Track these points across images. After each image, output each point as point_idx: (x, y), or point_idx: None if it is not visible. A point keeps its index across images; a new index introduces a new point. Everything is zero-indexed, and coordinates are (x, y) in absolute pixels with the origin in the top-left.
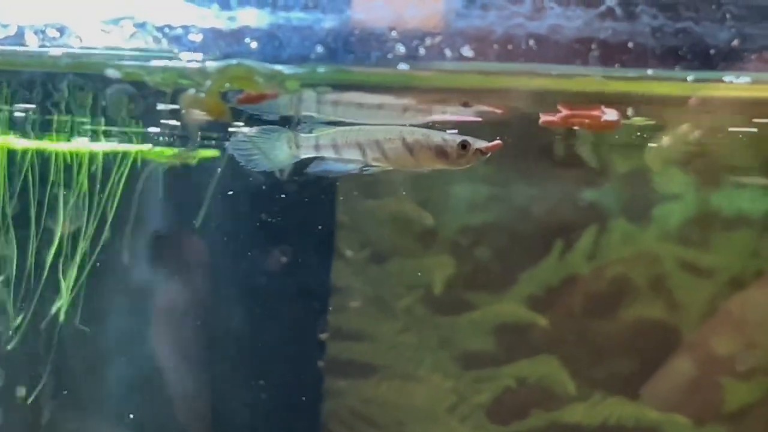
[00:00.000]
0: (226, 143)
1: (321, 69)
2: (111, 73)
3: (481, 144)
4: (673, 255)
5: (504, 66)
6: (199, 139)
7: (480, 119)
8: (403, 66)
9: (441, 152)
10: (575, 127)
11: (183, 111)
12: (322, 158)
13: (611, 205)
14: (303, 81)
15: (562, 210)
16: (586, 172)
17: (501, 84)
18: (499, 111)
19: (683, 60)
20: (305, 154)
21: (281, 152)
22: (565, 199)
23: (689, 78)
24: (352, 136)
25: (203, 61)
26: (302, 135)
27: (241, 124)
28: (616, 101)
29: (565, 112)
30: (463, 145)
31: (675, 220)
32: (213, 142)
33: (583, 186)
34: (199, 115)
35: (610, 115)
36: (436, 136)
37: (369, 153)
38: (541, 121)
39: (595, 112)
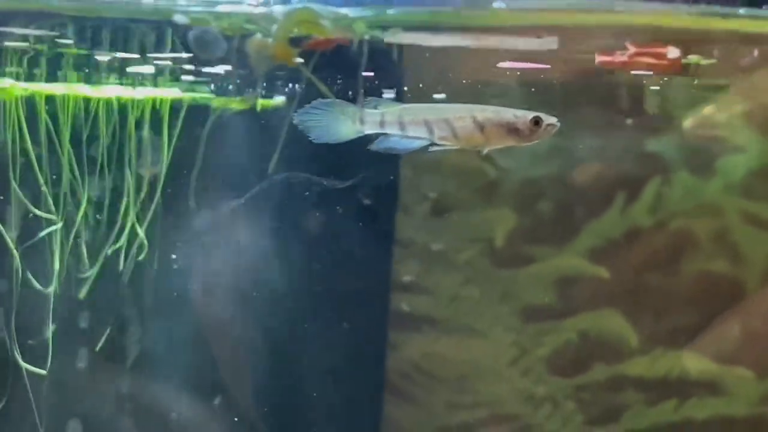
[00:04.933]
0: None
1: (390, 11)
2: (179, 18)
3: (552, 119)
4: (736, 208)
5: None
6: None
7: (548, 66)
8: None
9: (513, 129)
10: (633, 71)
11: (251, 56)
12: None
13: (674, 156)
14: (371, 23)
15: (624, 162)
16: (649, 122)
17: (582, 21)
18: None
19: None
20: (369, 130)
21: (345, 127)
22: (627, 151)
23: None
24: (419, 114)
25: (269, 5)
26: (367, 110)
27: None
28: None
29: (632, 49)
30: (536, 121)
31: (739, 172)
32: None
33: (646, 137)
34: (266, 60)
35: (673, 53)
36: (507, 113)
37: (437, 131)
38: (597, 61)
39: (661, 50)
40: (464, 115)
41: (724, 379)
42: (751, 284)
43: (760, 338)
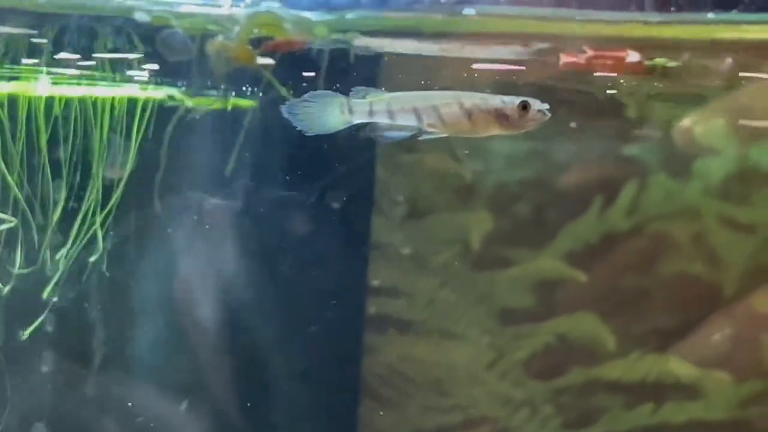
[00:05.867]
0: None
1: (349, 15)
2: (140, 16)
3: (543, 105)
4: (713, 211)
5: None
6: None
7: (524, 67)
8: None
9: (501, 115)
10: (598, 73)
11: (211, 57)
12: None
13: (651, 159)
14: (331, 27)
15: (601, 165)
16: (626, 126)
17: (554, 30)
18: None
19: (740, 3)
20: (358, 120)
21: (334, 117)
22: (605, 154)
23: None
24: (407, 102)
25: (232, 6)
26: (355, 100)
27: None
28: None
29: (590, 52)
30: (524, 106)
31: (716, 175)
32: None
33: (624, 141)
34: (226, 61)
35: (633, 56)
36: (495, 99)
37: (425, 119)
38: (562, 62)
39: (619, 53)
40: (451, 102)
41: (702, 383)
42: (728, 287)
43: (738, 342)
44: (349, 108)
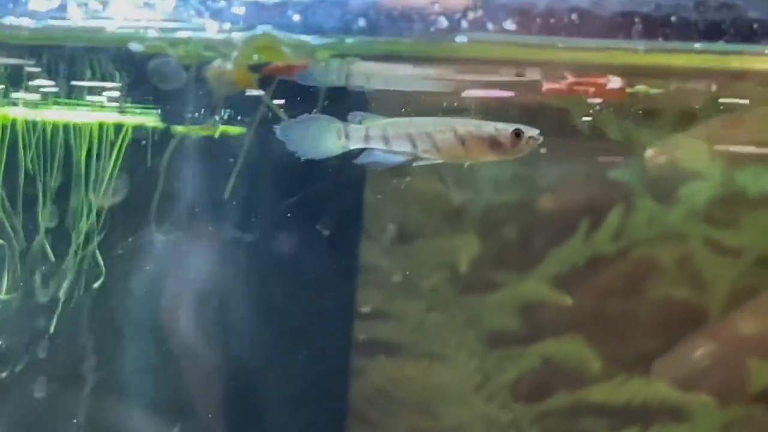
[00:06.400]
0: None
1: (349, 40)
2: (134, 46)
3: (534, 131)
4: (699, 234)
5: (546, 39)
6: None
7: (512, 93)
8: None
9: (494, 142)
10: (581, 99)
11: (210, 82)
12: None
13: (637, 184)
14: (331, 52)
15: (588, 189)
16: (612, 151)
17: (543, 57)
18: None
19: (726, 34)
20: (354, 145)
21: (330, 142)
22: (591, 179)
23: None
24: (402, 128)
25: (229, 31)
26: (352, 125)
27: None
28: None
29: (570, 79)
30: (517, 134)
31: (701, 199)
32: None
33: (610, 165)
34: (225, 87)
35: (615, 83)
36: (488, 126)
37: (420, 145)
38: (544, 88)
39: (600, 80)
40: (445, 129)
41: (687, 406)
42: (714, 310)
43: (723, 364)
44: (346, 133)
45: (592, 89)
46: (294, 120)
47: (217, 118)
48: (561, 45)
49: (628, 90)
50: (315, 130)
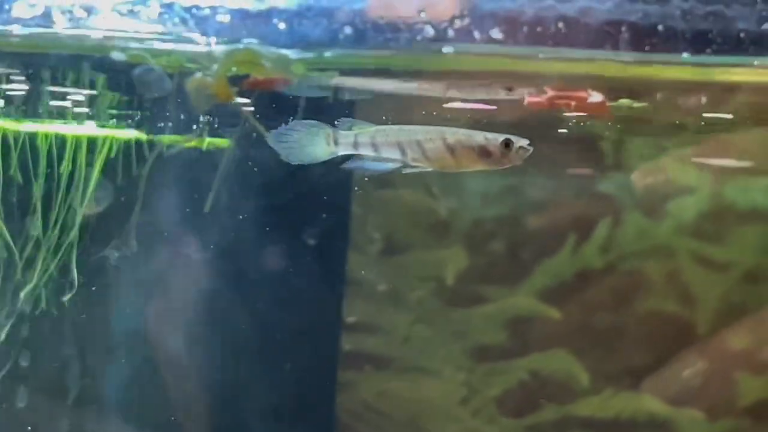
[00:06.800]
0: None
1: (328, 53)
2: (116, 56)
3: (524, 141)
4: (687, 249)
5: (533, 50)
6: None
7: (495, 107)
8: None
9: (484, 152)
10: (562, 113)
11: (190, 95)
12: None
13: (626, 198)
14: (310, 65)
15: (576, 203)
16: (601, 164)
17: (530, 68)
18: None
19: (713, 43)
20: (343, 151)
21: (319, 148)
22: (579, 192)
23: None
24: (391, 135)
25: (210, 44)
26: (341, 132)
27: None
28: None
29: (550, 93)
30: (506, 144)
31: (690, 213)
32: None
33: (598, 179)
34: (205, 99)
35: (596, 97)
36: (478, 135)
37: (409, 153)
38: (526, 101)
39: (581, 94)
40: (435, 137)
41: (675, 421)
42: (701, 325)
43: (713, 379)
44: (335, 139)
45: (572, 102)
46: (284, 126)
47: (195, 128)
48: (547, 55)
49: (610, 104)
50: (305, 137)
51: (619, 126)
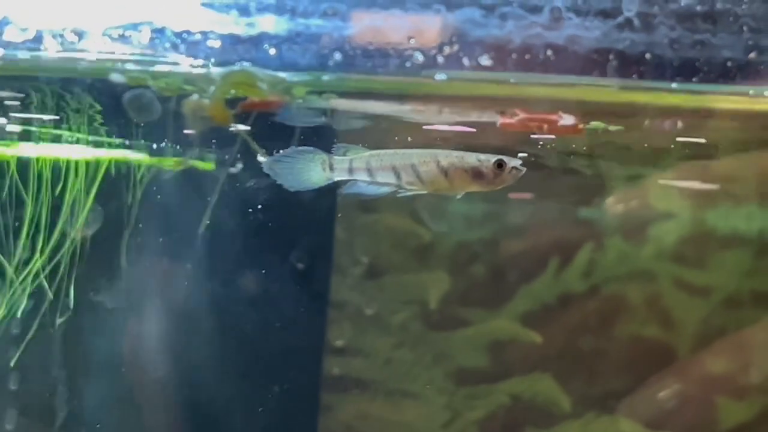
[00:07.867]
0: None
1: (325, 77)
2: (115, 77)
3: (516, 162)
4: (668, 273)
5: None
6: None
7: (474, 130)
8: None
9: (477, 173)
10: (535, 134)
11: (187, 116)
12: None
13: (608, 223)
14: (307, 88)
15: (558, 227)
16: (583, 190)
17: (518, 93)
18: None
19: (700, 72)
20: (339, 177)
21: (315, 174)
22: (561, 217)
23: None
24: (386, 160)
25: (208, 66)
26: (336, 157)
27: None
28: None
29: (522, 115)
30: (499, 164)
31: (671, 238)
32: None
33: (580, 204)
34: (202, 121)
35: (567, 120)
36: (471, 157)
37: (403, 176)
38: (499, 123)
39: (552, 117)
40: (429, 160)
41: None
42: (682, 349)
43: (691, 403)
44: (330, 165)
45: (544, 125)
46: (279, 153)
47: (185, 150)
48: (535, 81)
49: (582, 126)
50: (300, 163)
51: (600, 152)
